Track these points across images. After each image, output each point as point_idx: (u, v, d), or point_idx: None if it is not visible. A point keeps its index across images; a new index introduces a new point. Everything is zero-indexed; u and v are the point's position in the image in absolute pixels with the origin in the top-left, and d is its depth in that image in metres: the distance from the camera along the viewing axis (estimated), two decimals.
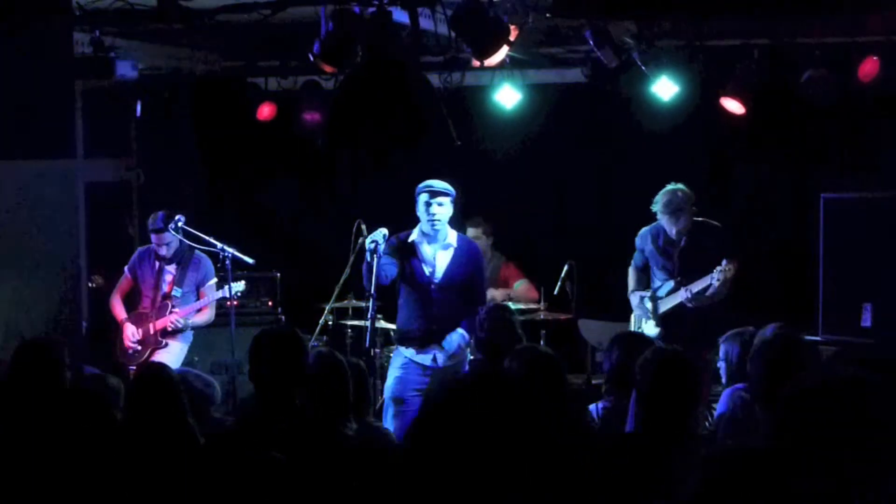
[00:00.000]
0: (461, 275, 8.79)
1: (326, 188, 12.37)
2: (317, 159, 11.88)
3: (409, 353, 8.78)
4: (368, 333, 8.61)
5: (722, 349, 7.11)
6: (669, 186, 9.37)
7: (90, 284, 11.44)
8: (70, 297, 10.55)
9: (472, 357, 8.85)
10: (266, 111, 11.39)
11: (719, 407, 6.62)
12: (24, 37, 7.99)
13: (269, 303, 11.38)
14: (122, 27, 9.32)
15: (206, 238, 9.91)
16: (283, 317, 11.28)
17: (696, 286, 9.18)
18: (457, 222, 8.99)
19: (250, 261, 9.92)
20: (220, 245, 9.82)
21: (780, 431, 4.42)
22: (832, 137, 10.37)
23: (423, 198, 8.72)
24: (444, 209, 8.70)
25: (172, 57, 10.34)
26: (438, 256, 8.80)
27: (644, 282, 9.67)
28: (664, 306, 9.41)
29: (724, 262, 9.04)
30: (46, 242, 10.56)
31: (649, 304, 9.47)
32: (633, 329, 9.64)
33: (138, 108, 10.44)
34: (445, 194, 8.71)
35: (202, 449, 5.45)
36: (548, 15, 8.94)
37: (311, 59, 8.62)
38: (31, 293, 9.49)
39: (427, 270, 8.76)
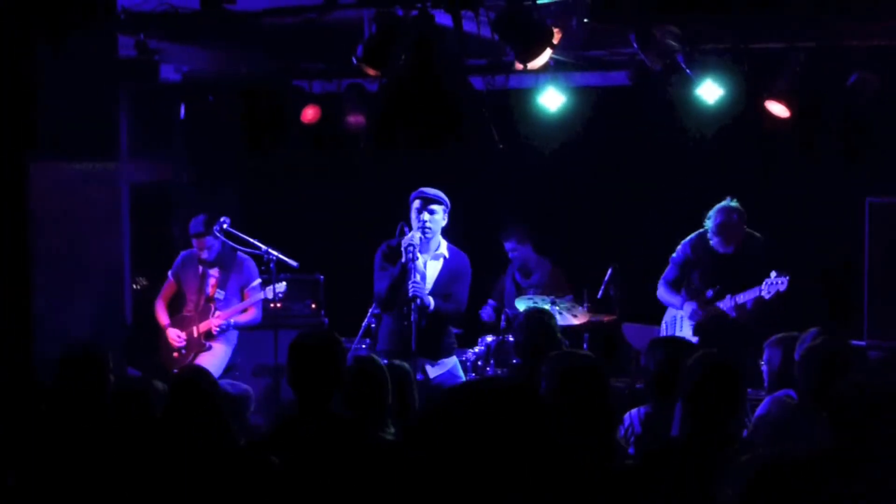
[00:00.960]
0: (449, 285, 8.77)
1: (370, 190, 12.36)
2: (361, 161, 11.89)
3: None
4: (414, 338, 8.54)
5: (766, 353, 7.06)
6: (724, 204, 9.31)
7: (134, 286, 11.48)
8: (114, 298, 10.62)
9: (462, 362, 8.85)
10: (310, 113, 11.40)
11: (759, 410, 6.58)
12: (70, 40, 8.03)
13: (313, 305, 11.40)
14: (167, 30, 9.35)
15: (251, 240, 9.95)
16: (326, 319, 11.30)
17: (743, 297, 9.14)
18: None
19: (294, 263, 9.96)
20: (264, 247, 9.85)
21: (838, 432, 4.41)
22: (878, 141, 10.27)
23: (415, 205, 8.68)
24: (436, 217, 8.66)
25: (216, 60, 10.37)
26: (429, 266, 8.75)
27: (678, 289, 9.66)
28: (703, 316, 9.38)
29: (773, 273, 8.98)
30: (91, 244, 10.64)
31: (687, 309, 9.45)
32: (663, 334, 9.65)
33: (182, 110, 10.47)
34: (438, 202, 8.66)
35: (240, 452, 5.46)
36: (585, 20, 8.91)
37: (355, 61, 8.63)
38: (75, 295, 9.55)
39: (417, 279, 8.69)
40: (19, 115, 8.18)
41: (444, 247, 8.82)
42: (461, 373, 8.97)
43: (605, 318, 10.54)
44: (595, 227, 11.86)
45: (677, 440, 5.45)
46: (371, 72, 8.77)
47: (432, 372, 8.70)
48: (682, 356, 6.09)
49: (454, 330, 9.09)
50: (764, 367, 7.04)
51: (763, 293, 9.03)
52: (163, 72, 9.77)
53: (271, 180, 12.26)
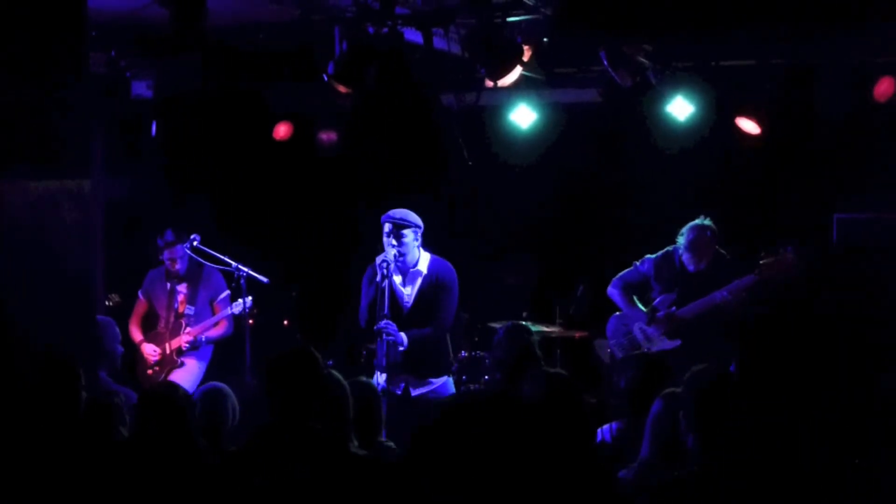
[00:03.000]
0: (431, 301, 8.67)
1: (342, 207, 12.36)
2: (334, 178, 11.91)
3: (381, 378, 8.57)
4: (385, 358, 8.51)
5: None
6: (698, 221, 9.31)
7: (107, 303, 11.46)
8: (86, 315, 10.59)
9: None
10: (282, 130, 11.43)
11: None
12: (40, 57, 8.01)
13: (286, 322, 11.40)
14: (138, 47, 9.35)
15: (221, 257, 9.94)
16: (299, 336, 11.30)
17: (736, 285, 9.12)
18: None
19: (265, 279, 9.95)
20: (234, 264, 9.85)
21: None
22: (847, 157, 10.34)
23: (385, 229, 8.56)
24: (406, 240, 8.52)
25: (188, 76, 10.36)
26: (407, 283, 8.73)
27: (634, 296, 9.65)
28: (681, 314, 9.37)
29: (762, 253, 9.00)
30: (62, 262, 10.61)
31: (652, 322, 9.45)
32: (615, 340, 9.64)
33: (153, 127, 10.46)
34: (406, 226, 8.53)
35: (208, 468, 5.47)
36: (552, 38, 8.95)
37: (326, 78, 8.65)
38: (46, 312, 9.52)
39: (399, 298, 8.65)
40: None
41: (423, 261, 8.70)
42: (450, 389, 8.88)
43: (577, 335, 10.57)
44: (566, 244, 11.88)
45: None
46: (342, 89, 8.78)
47: (414, 391, 8.68)
48: (654, 373, 6.12)
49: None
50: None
51: (757, 275, 9.04)
52: (134, 88, 9.78)
53: (244, 197, 12.25)
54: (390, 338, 8.42)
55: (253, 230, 11.77)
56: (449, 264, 8.80)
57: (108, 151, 11.05)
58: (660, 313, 9.41)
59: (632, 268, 9.64)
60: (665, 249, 9.54)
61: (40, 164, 8.95)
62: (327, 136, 11.03)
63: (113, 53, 9.26)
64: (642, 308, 9.54)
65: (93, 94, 9.59)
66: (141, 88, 10.20)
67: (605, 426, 6.74)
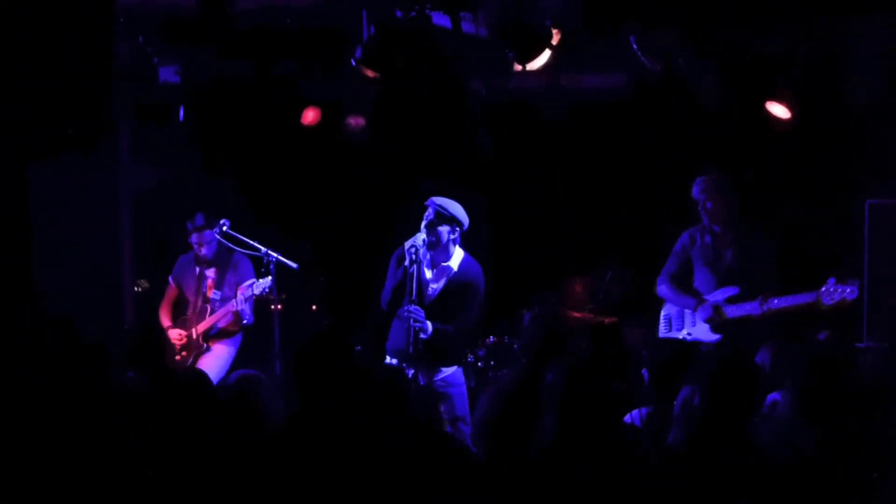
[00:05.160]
0: (455, 300, 8.58)
1: (371, 192, 12.35)
2: (362, 163, 11.90)
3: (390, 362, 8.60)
4: (412, 344, 8.48)
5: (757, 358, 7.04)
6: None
7: (136, 289, 11.51)
8: (114, 301, 10.65)
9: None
10: (310, 116, 11.41)
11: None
12: (68, 44, 8.02)
13: (314, 307, 11.41)
14: (165, 34, 9.35)
15: (251, 242, 9.93)
16: (327, 321, 11.31)
17: (782, 303, 8.99)
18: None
19: (294, 265, 9.92)
20: (264, 249, 9.83)
21: None
22: (879, 142, 10.25)
23: (427, 211, 8.48)
24: (440, 230, 8.44)
25: (215, 62, 10.36)
26: (436, 276, 8.65)
27: (684, 286, 9.57)
28: (730, 314, 9.25)
29: (831, 280, 8.82)
30: (90, 247, 10.66)
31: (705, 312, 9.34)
32: (664, 331, 9.57)
33: (181, 113, 10.46)
34: (445, 218, 8.46)
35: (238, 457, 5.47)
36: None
37: (354, 63, 8.63)
38: (74, 298, 9.57)
39: (424, 288, 8.60)
40: (19, 116, 8.18)
41: (456, 258, 8.59)
42: (460, 378, 8.85)
43: (606, 320, 10.53)
44: (596, 230, 11.84)
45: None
46: (370, 73, 8.76)
47: (423, 379, 8.64)
48: (683, 357, 6.09)
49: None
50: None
51: (825, 300, 8.85)
52: (162, 75, 9.78)
53: (272, 183, 12.25)
54: (417, 325, 8.39)
55: (282, 216, 11.77)
56: (479, 266, 8.70)
57: (136, 138, 11.08)
58: (708, 302, 9.30)
59: (671, 255, 9.58)
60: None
61: (69, 152, 8.98)
62: (355, 121, 11.00)
63: (140, 40, 9.25)
64: (691, 295, 9.46)
65: (120, 81, 9.62)
66: (168, 74, 10.19)
67: (635, 411, 6.72)
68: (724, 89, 9.80)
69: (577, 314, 10.31)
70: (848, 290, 8.73)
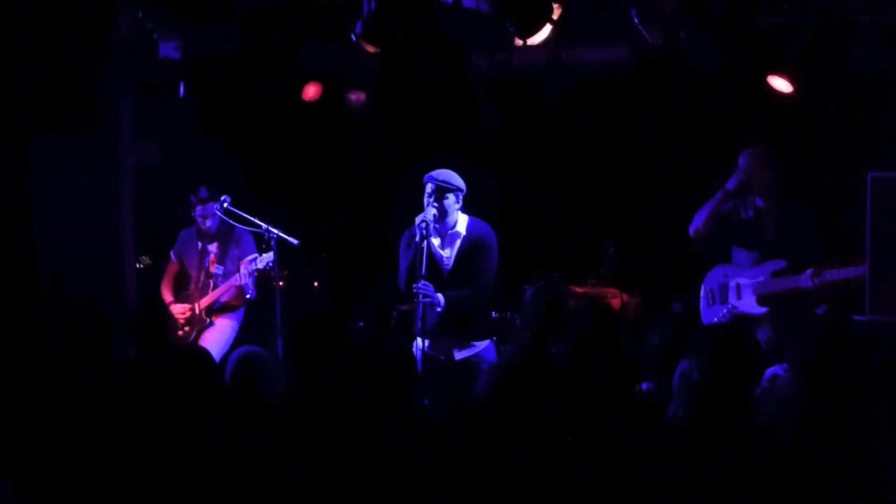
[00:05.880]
0: (470, 263, 8.63)
1: (373, 168, 12.34)
2: (364, 139, 11.88)
3: (421, 343, 8.58)
4: (420, 322, 8.46)
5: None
6: None
7: (138, 265, 11.50)
8: (116, 278, 10.64)
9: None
10: (311, 91, 11.38)
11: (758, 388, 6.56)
12: (66, 23, 8.02)
13: (315, 284, 11.40)
14: (165, 8, 9.33)
15: (251, 218, 9.92)
16: (328, 297, 11.31)
17: (833, 275, 8.97)
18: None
19: (295, 241, 9.91)
20: (264, 226, 9.82)
21: None
22: (881, 116, 10.23)
23: (426, 189, 8.54)
24: (447, 202, 8.50)
25: (215, 37, 10.34)
26: (446, 245, 8.69)
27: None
28: (772, 288, 9.21)
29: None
30: (93, 220, 10.65)
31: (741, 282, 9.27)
32: (711, 302, 9.48)
33: (181, 88, 10.44)
34: (448, 188, 8.52)
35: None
36: None
37: (354, 38, 8.61)
38: (79, 267, 9.58)
39: (439, 260, 8.65)
40: (18, 94, 8.19)
41: (462, 223, 8.66)
42: (492, 353, 8.85)
43: (609, 294, 10.51)
44: (599, 205, 11.81)
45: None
46: (371, 49, 8.74)
47: (458, 354, 8.66)
48: (684, 332, 6.09)
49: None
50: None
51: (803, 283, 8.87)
52: (162, 50, 9.76)
53: (273, 158, 12.24)
54: (427, 300, 8.40)
55: (283, 191, 11.75)
56: (487, 226, 8.76)
57: (136, 113, 11.06)
58: (759, 277, 9.26)
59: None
60: None
61: (71, 127, 8.98)
62: (356, 96, 10.98)
63: (140, 15, 9.23)
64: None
65: (120, 57, 9.61)
66: (168, 49, 10.18)
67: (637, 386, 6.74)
68: (725, 62, 9.78)
69: (579, 289, 10.30)
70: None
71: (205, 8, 9.24)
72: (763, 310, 9.12)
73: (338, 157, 12.24)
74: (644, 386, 6.70)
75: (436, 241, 8.64)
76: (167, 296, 10.40)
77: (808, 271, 8.96)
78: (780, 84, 9.86)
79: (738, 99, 10.28)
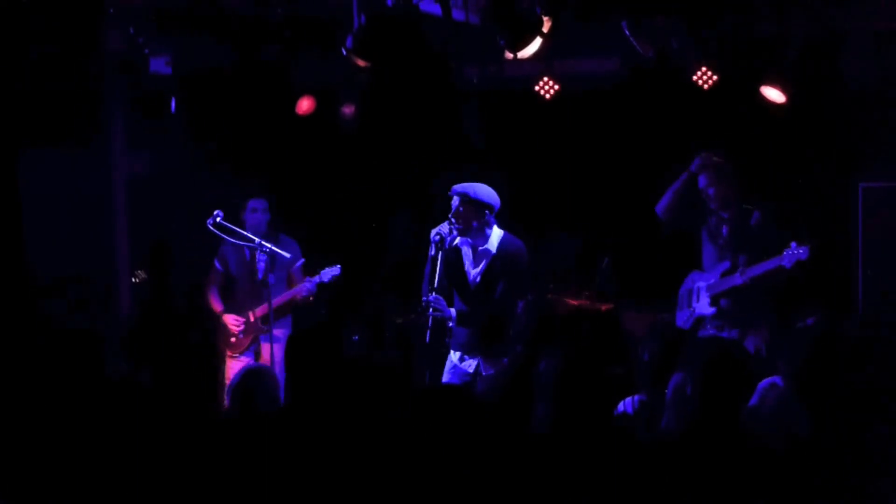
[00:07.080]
0: (496, 282, 8.62)
1: (367, 182, 12.32)
2: (358, 152, 11.87)
3: (455, 357, 8.66)
4: (429, 335, 8.49)
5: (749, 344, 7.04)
6: None
7: (133, 280, 11.48)
8: (108, 290, 10.62)
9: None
10: (305, 105, 11.38)
11: (752, 400, 6.55)
12: (59, 36, 8.02)
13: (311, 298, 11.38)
14: (156, 24, 9.34)
15: (244, 233, 9.91)
16: (323, 312, 11.28)
17: (757, 269, 9.06)
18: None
19: (287, 255, 9.91)
20: (257, 240, 9.82)
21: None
22: (873, 125, 10.24)
23: (452, 202, 8.54)
24: (462, 213, 8.49)
25: (206, 52, 10.35)
26: (476, 261, 8.68)
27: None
28: (719, 288, 9.30)
29: (793, 243, 8.90)
30: (87, 231, 10.65)
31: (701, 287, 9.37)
32: (681, 307, 9.55)
33: (172, 104, 10.44)
34: (468, 201, 8.49)
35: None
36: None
37: (344, 52, 8.61)
38: (66, 286, 9.57)
39: (467, 275, 8.68)
40: (10, 107, 8.19)
41: (494, 240, 8.63)
42: None
43: (603, 307, 10.50)
44: (590, 217, 11.81)
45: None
46: (361, 63, 8.74)
47: (486, 370, 8.63)
48: (675, 345, 6.08)
49: None
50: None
51: (784, 263, 8.93)
52: (153, 65, 9.76)
53: (267, 172, 12.22)
54: (437, 313, 8.39)
55: (277, 206, 11.74)
56: (519, 243, 8.73)
57: (129, 128, 11.05)
58: (712, 279, 9.34)
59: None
60: None
61: (64, 140, 8.98)
62: (349, 109, 10.98)
63: (131, 31, 9.23)
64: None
65: (111, 73, 9.62)
66: (160, 65, 10.17)
67: (628, 399, 6.72)
68: (718, 73, 9.78)
69: (573, 301, 10.29)
70: (801, 251, 8.80)
71: (194, 23, 9.24)
72: (712, 310, 9.21)
73: (331, 170, 12.23)
74: (636, 398, 6.68)
75: (468, 256, 8.66)
76: (216, 305, 10.34)
77: (739, 269, 9.08)
78: (773, 94, 9.87)
79: (730, 109, 10.27)
